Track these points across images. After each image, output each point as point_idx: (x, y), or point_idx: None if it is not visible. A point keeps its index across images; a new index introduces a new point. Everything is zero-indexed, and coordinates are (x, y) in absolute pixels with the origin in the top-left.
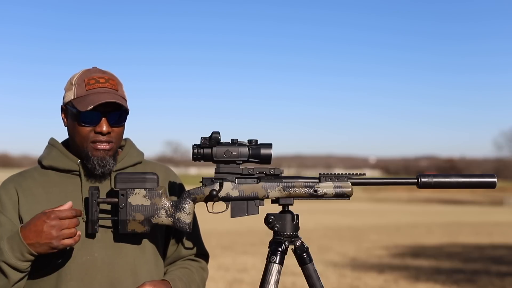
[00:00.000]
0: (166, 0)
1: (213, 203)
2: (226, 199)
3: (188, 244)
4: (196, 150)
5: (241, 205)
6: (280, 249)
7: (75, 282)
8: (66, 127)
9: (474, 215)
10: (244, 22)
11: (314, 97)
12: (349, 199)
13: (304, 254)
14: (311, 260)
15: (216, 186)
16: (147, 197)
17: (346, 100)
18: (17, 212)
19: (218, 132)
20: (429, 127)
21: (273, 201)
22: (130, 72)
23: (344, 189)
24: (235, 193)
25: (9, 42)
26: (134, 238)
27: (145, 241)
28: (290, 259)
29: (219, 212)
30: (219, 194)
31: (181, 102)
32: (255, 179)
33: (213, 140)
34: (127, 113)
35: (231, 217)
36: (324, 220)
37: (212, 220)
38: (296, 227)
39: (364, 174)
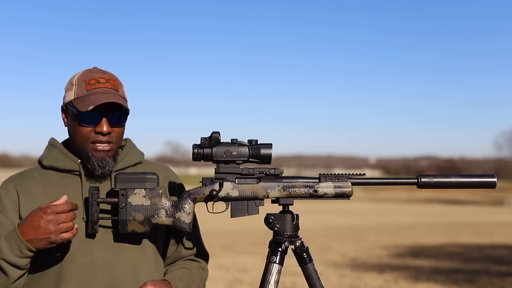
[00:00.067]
0: (166, 0)
1: (213, 203)
2: (226, 199)
3: (188, 244)
4: (196, 150)
5: (241, 205)
6: (280, 249)
7: (75, 282)
8: (67, 127)
9: (474, 215)
10: (244, 22)
11: (314, 97)
12: (349, 199)
13: (304, 254)
14: (311, 260)
15: (216, 186)
16: (147, 197)
17: (346, 100)
18: (17, 212)
19: (218, 132)
20: (429, 127)
21: (273, 201)
22: (130, 72)
23: (344, 189)
24: (235, 193)
25: (9, 42)
26: (134, 238)
27: (145, 241)
28: (290, 259)
29: (219, 212)
30: (219, 194)
31: (181, 102)
32: (255, 179)
33: (213, 140)
34: (128, 113)
35: (231, 217)
36: (324, 220)
37: (212, 220)
38: (296, 227)
39: (364, 174)
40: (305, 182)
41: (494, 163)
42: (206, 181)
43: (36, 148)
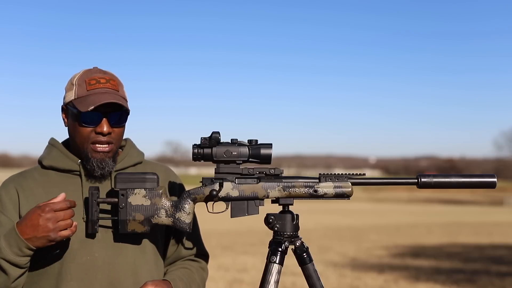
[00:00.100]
0: (166, 0)
1: (213, 203)
2: (226, 199)
3: (188, 244)
4: (196, 150)
5: (241, 205)
6: (280, 249)
7: (75, 282)
8: (67, 127)
9: (474, 215)
10: (244, 22)
11: (314, 97)
12: (349, 199)
13: (304, 254)
14: (311, 260)
15: (216, 186)
16: (147, 197)
17: (346, 100)
18: (18, 212)
19: (218, 132)
20: (429, 127)
21: (273, 201)
22: (130, 72)
23: (344, 189)
24: (235, 193)
25: (9, 42)
26: (134, 238)
27: (145, 241)
28: (290, 259)
29: (219, 212)
30: (219, 194)
31: (181, 102)
32: (255, 179)
33: (213, 140)
34: (128, 114)
35: (231, 217)
36: (324, 220)
37: (212, 220)
38: (296, 227)
39: (364, 174)
40: (305, 182)
41: (494, 163)
42: (206, 181)
43: (36, 148)
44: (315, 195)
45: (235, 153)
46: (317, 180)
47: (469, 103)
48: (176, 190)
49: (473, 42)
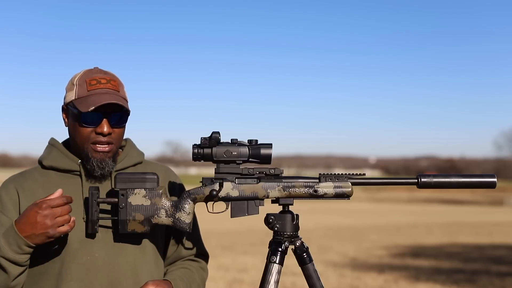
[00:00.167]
0: (166, 0)
1: (213, 203)
2: (226, 199)
3: (188, 244)
4: (196, 150)
5: (241, 205)
6: (280, 249)
7: (75, 282)
8: (67, 127)
9: (474, 215)
10: (244, 22)
11: (314, 97)
12: (349, 199)
13: (304, 254)
14: (311, 260)
15: (216, 186)
16: (147, 197)
17: (346, 100)
18: (18, 212)
19: (218, 132)
20: (429, 127)
21: (273, 201)
22: (130, 72)
23: (344, 189)
24: (235, 193)
25: (9, 42)
26: (135, 238)
27: (146, 241)
28: (290, 259)
29: (219, 212)
30: (219, 194)
31: (181, 102)
32: (255, 179)
33: (213, 140)
34: (128, 114)
35: (231, 217)
36: (324, 220)
37: (212, 220)
38: (296, 227)
39: (364, 174)
40: (305, 182)
41: (494, 163)
42: (206, 181)
43: (36, 148)
44: (315, 195)
45: (235, 153)
46: (317, 180)
47: (469, 103)
48: (176, 190)
49: (473, 42)
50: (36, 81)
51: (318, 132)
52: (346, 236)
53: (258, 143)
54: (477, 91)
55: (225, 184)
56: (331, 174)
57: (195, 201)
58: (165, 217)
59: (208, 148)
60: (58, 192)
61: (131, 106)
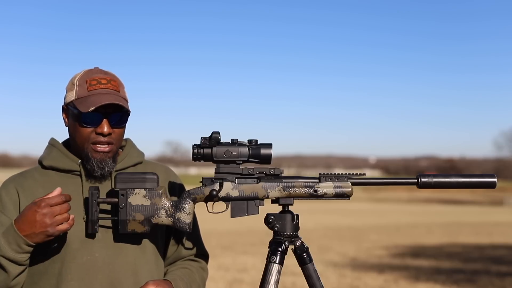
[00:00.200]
0: (166, 0)
1: (213, 203)
2: (226, 199)
3: (188, 244)
4: (196, 150)
5: (241, 205)
6: (280, 249)
7: (75, 282)
8: (67, 127)
9: (474, 215)
10: (244, 22)
11: (314, 97)
12: (349, 199)
13: (304, 254)
14: (311, 260)
15: (216, 186)
16: (147, 197)
17: (346, 100)
18: (18, 212)
19: (218, 132)
20: (429, 127)
21: (273, 201)
22: (130, 72)
23: (344, 189)
24: (235, 193)
25: (9, 42)
26: (135, 238)
27: (146, 241)
28: (290, 259)
29: (219, 212)
30: (219, 194)
31: (181, 102)
32: (255, 179)
33: (213, 140)
34: (128, 115)
35: (231, 217)
36: (324, 220)
37: (212, 220)
38: (296, 227)
39: (364, 174)
40: (305, 182)
41: (494, 163)
42: (206, 181)
43: (36, 148)
44: (315, 195)
45: (235, 153)
46: (317, 180)
47: (469, 103)
48: (176, 190)
49: (473, 42)
50: (36, 81)
51: (318, 132)
52: (346, 236)
53: (258, 143)
54: (477, 91)
55: (225, 184)
56: (331, 174)
57: (195, 201)
58: (165, 217)
59: (208, 148)
60: (56, 191)
61: (131, 106)
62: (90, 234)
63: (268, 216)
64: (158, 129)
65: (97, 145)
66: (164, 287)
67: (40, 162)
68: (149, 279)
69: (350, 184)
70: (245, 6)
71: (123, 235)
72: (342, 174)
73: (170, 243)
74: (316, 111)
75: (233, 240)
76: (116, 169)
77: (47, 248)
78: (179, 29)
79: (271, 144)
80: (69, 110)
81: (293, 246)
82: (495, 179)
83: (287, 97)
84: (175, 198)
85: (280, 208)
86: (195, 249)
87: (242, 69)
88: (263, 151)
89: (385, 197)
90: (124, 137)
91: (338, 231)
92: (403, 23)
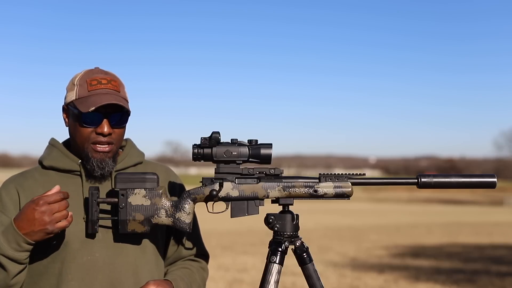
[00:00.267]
0: (166, 0)
1: (213, 203)
2: (226, 199)
3: (188, 244)
4: (196, 150)
5: (241, 205)
6: (280, 249)
7: (76, 282)
8: (67, 127)
9: (474, 215)
10: (244, 22)
11: (314, 97)
12: (349, 199)
13: (304, 254)
14: (311, 260)
15: (216, 186)
16: (147, 197)
17: (346, 100)
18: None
19: (218, 132)
20: (429, 127)
21: (273, 201)
22: (131, 72)
23: (344, 189)
24: (235, 193)
25: (9, 42)
26: (135, 238)
27: (146, 241)
28: (290, 259)
29: (219, 212)
30: (219, 194)
31: (181, 102)
32: (255, 179)
33: (213, 140)
34: (129, 115)
35: (231, 217)
36: (324, 220)
37: (212, 220)
38: (296, 227)
39: (364, 174)
40: (305, 182)
41: (494, 163)
42: (206, 181)
43: (36, 148)
44: (315, 195)
45: (235, 153)
46: (317, 180)
47: (469, 103)
48: (176, 190)
49: (473, 42)
50: (36, 81)
51: (318, 132)
52: (346, 236)
53: (258, 143)
54: (477, 91)
55: (225, 184)
56: (331, 174)
57: (195, 201)
58: (165, 217)
59: (208, 148)
60: (55, 189)
61: (131, 106)
62: (90, 234)
63: (268, 216)
64: (158, 129)
65: (97, 145)
66: (164, 287)
67: (40, 162)
68: (150, 279)
69: (350, 184)
70: (245, 6)
71: (123, 235)
72: (342, 174)
73: (170, 243)
74: (316, 111)
75: (233, 240)
76: (116, 169)
77: (47, 247)
78: (179, 29)
79: (271, 144)
80: (69, 110)
81: (293, 246)
82: (495, 179)
83: (287, 97)
84: (175, 198)
85: (280, 208)
86: (195, 249)
87: (242, 69)
88: (263, 151)
89: (385, 197)
90: (124, 137)
91: (338, 231)
92: (403, 23)
